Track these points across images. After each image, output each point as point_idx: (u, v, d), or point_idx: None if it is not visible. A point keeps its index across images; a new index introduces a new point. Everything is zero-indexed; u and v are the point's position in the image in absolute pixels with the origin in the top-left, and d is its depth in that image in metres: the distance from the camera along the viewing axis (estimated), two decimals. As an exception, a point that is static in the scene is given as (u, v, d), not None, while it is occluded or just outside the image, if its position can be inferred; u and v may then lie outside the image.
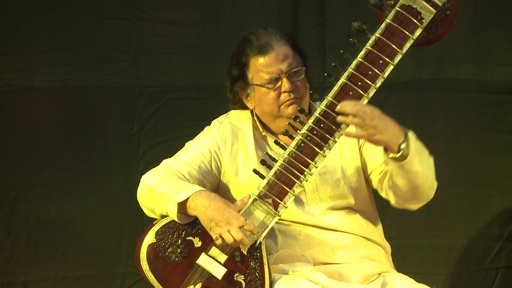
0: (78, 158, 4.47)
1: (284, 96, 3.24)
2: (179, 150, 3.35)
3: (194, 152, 3.29)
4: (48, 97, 4.46)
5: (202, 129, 3.42)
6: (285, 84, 3.22)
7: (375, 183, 3.27)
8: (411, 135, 3.01)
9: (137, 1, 4.48)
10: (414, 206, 3.24)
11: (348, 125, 3.00)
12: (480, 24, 4.43)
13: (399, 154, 2.98)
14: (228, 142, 3.32)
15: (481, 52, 4.50)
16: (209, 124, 3.42)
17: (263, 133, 3.33)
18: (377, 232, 3.35)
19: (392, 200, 3.22)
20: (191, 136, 3.40)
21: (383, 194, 3.27)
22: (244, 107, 3.37)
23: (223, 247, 3.03)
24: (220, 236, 3.00)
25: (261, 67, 3.24)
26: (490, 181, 4.53)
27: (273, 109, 3.26)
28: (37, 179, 4.44)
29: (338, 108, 2.95)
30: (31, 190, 4.44)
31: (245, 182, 3.26)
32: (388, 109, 4.45)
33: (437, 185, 3.16)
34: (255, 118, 3.36)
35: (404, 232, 4.45)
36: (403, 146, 2.98)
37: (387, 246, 3.37)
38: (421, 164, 3.03)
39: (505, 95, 4.50)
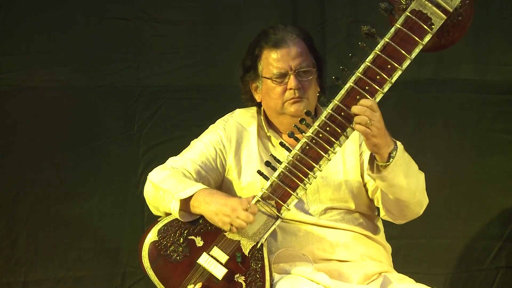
0: (78, 158, 4.46)
1: (289, 93, 3.25)
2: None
3: (200, 150, 3.31)
4: (48, 97, 4.45)
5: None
6: (291, 82, 3.23)
7: (369, 193, 3.30)
8: (400, 146, 3.04)
9: (137, 1, 4.48)
10: (401, 222, 3.29)
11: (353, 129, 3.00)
12: (480, 24, 4.43)
13: (389, 162, 3.00)
14: (233, 141, 3.33)
15: (481, 52, 4.49)
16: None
17: (268, 133, 3.34)
18: (377, 231, 3.35)
19: (381, 212, 3.27)
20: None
21: (375, 203, 3.31)
22: (252, 98, 3.38)
23: (225, 247, 3.03)
24: (231, 225, 3.00)
25: (272, 60, 3.25)
26: (490, 181, 4.53)
27: (277, 104, 3.27)
28: (37, 179, 4.44)
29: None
30: (31, 190, 4.44)
31: (247, 183, 3.27)
32: (388, 109, 4.50)
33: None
34: (261, 116, 3.38)
35: (404, 232, 4.43)
36: (393, 154, 3.00)
37: (388, 246, 3.38)
38: (407, 177, 3.06)
39: (505, 95, 4.50)
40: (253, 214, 3.00)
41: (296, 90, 3.23)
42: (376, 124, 2.94)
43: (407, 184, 3.07)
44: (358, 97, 2.95)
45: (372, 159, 3.07)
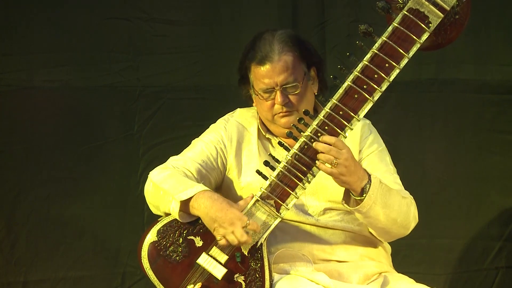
0: (78, 158, 4.46)
1: (277, 108, 3.25)
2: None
3: (201, 149, 3.31)
4: (48, 97, 4.45)
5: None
6: (278, 98, 3.23)
7: None
8: (374, 179, 3.04)
9: (137, 1, 4.48)
10: (385, 241, 3.32)
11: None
12: (480, 24, 4.43)
13: (363, 196, 3.01)
14: (234, 141, 3.33)
15: (481, 52, 4.50)
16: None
17: (266, 135, 3.34)
18: (376, 232, 3.36)
19: None
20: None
21: None
22: (252, 99, 3.39)
23: (224, 247, 3.03)
24: (224, 237, 3.00)
25: (259, 76, 3.24)
26: (490, 181, 4.53)
27: (267, 116, 3.29)
28: (37, 179, 4.44)
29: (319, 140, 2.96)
30: (31, 190, 4.44)
31: (247, 183, 3.27)
32: (388, 109, 4.51)
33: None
34: (259, 119, 3.37)
35: (404, 232, 4.44)
36: (366, 188, 3.01)
37: (387, 246, 3.38)
38: (385, 207, 3.06)
39: (505, 95, 4.50)
40: (252, 230, 3.00)
41: (283, 106, 3.23)
42: (343, 163, 2.95)
43: (384, 214, 3.07)
44: (356, 96, 2.95)
45: (347, 191, 3.08)
